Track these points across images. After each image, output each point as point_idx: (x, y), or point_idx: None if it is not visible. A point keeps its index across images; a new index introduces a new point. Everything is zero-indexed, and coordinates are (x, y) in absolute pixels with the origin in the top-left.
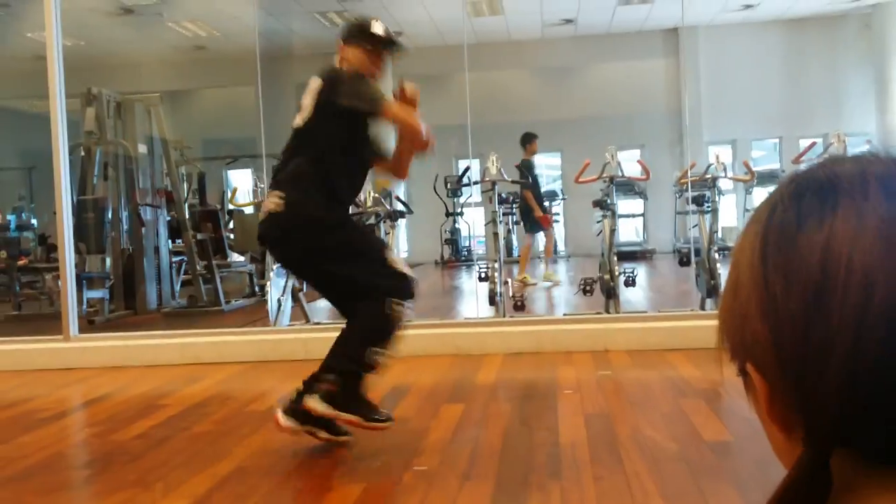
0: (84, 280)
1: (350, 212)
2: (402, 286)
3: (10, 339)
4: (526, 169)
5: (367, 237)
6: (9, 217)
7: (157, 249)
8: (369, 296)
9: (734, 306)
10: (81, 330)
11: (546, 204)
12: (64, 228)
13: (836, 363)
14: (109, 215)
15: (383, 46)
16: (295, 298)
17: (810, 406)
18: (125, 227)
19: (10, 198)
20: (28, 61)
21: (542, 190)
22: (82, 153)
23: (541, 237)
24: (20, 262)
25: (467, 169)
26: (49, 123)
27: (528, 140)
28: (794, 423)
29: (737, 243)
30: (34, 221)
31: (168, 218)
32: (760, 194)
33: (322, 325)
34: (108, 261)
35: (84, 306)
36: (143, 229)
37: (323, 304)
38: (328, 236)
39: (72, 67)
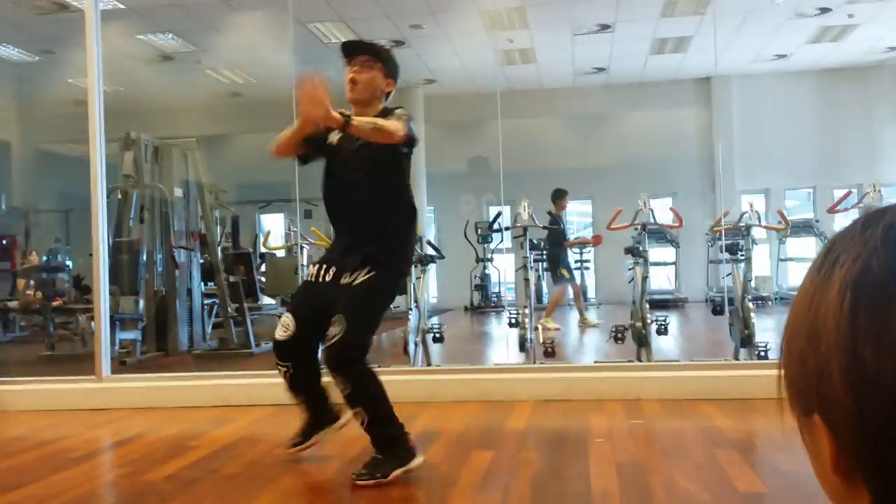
0: (117, 321)
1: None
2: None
3: (43, 379)
4: (554, 223)
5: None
6: (45, 258)
7: (189, 291)
8: None
9: (809, 354)
10: (113, 371)
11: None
12: (100, 269)
13: None
14: (144, 257)
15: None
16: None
17: (888, 478)
18: (159, 269)
19: (47, 240)
20: (69, 106)
21: (574, 236)
22: (119, 196)
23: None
24: (55, 304)
25: (499, 214)
26: (88, 167)
27: (558, 196)
28: (857, 476)
29: (812, 282)
30: (69, 263)
31: (201, 260)
32: (794, 244)
33: None
34: (142, 302)
35: (116, 347)
36: (177, 271)
37: None
38: None
39: (111, 112)
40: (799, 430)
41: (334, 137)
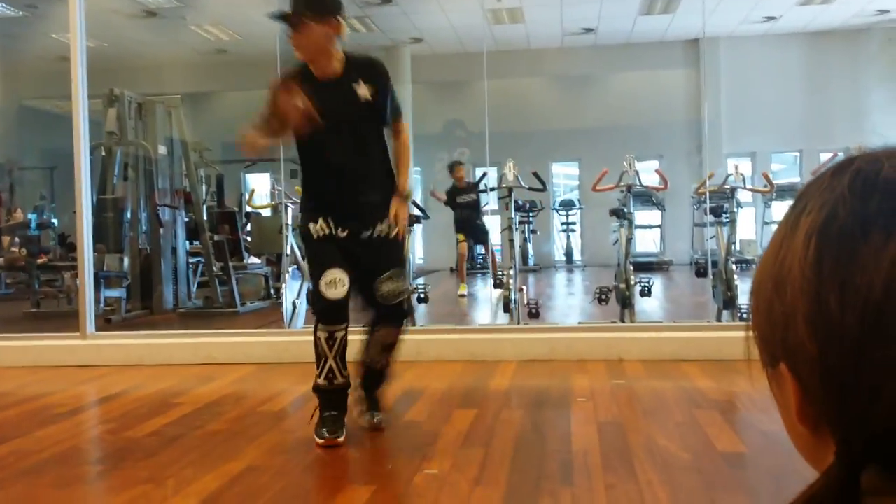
0: (102, 279)
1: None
2: (319, 311)
3: (28, 336)
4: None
5: (314, 248)
6: (30, 216)
7: (174, 250)
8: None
9: (775, 302)
10: (98, 328)
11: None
12: (83, 227)
13: (893, 388)
14: (128, 215)
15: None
16: (309, 301)
17: (851, 423)
18: (143, 227)
19: (31, 197)
20: (52, 62)
21: (561, 199)
22: (103, 153)
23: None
24: (40, 261)
25: (484, 175)
26: (71, 124)
27: (453, 168)
28: (824, 427)
29: (781, 232)
30: (55, 220)
31: (186, 219)
32: (780, 207)
33: None
34: (126, 260)
35: (101, 305)
36: (162, 230)
37: None
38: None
39: (95, 69)
40: (768, 382)
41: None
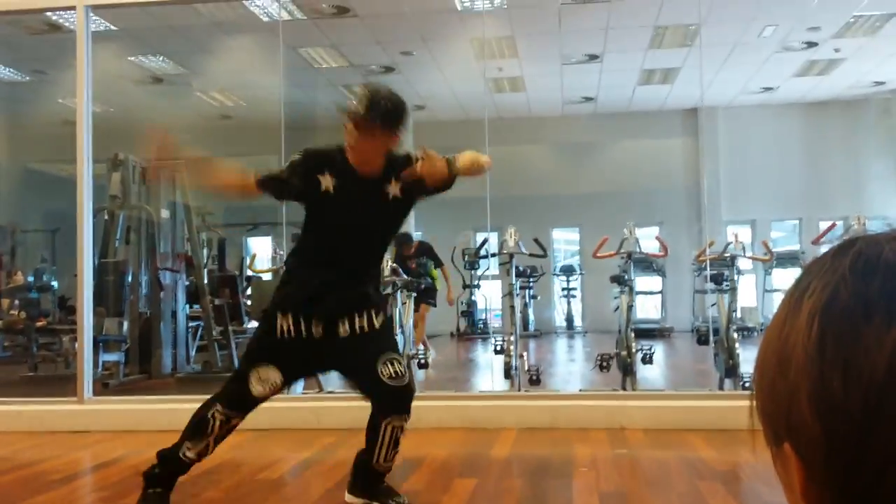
0: (101, 343)
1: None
2: (231, 394)
3: (24, 400)
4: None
5: (258, 336)
6: (30, 278)
7: (174, 314)
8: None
9: (778, 381)
10: (96, 393)
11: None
12: (84, 291)
13: None
14: (129, 279)
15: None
16: None
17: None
18: (144, 290)
19: (32, 259)
20: (58, 126)
21: (561, 264)
22: (106, 217)
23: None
24: (39, 324)
25: (485, 241)
26: (75, 187)
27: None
28: None
29: (783, 311)
30: (55, 283)
31: (187, 283)
32: (780, 275)
33: (335, 395)
34: (126, 324)
35: (99, 369)
36: (162, 293)
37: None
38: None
39: (100, 133)
40: (772, 460)
41: (328, 181)
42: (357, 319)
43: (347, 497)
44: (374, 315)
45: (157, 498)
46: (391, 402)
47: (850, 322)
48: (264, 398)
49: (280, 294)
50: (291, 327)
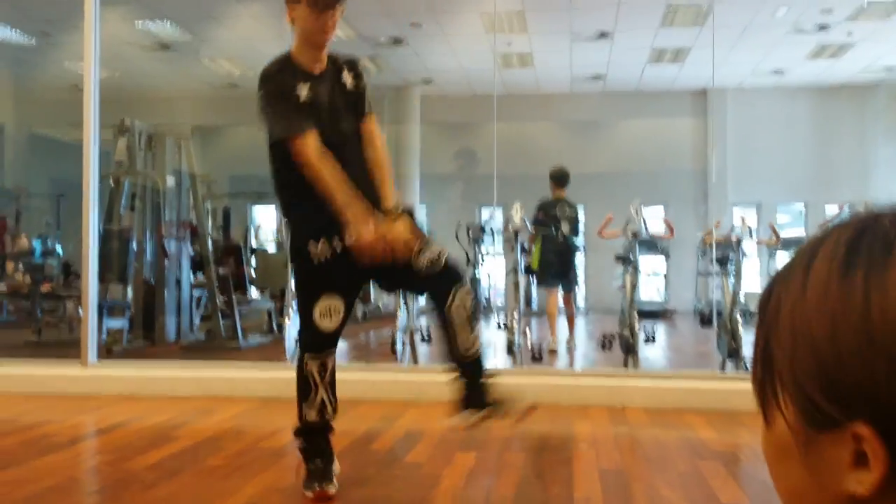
0: (105, 309)
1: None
2: (312, 339)
3: (28, 363)
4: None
5: (309, 273)
6: (34, 243)
7: (178, 282)
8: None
9: (857, 359)
10: (99, 358)
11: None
12: (89, 256)
13: None
14: (134, 246)
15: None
16: None
17: None
18: (148, 258)
19: (37, 224)
20: (64, 90)
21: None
22: (111, 183)
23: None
24: (43, 289)
25: (490, 217)
26: (81, 152)
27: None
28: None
29: (848, 285)
30: (59, 249)
31: (191, 252)
32: (784, 259)
33: (338, 366)
34: (130, 291)
35: (103, 335)
36: (167, 261)
37: (341, 346)
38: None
39: (106, 98)
40: (795, 442)
41: (304, 91)
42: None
43: (464, 415)
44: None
45: (319, 471)
46: (443, 284)
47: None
48: (338, 328)
49: (303, 227)
50: (325, 251)
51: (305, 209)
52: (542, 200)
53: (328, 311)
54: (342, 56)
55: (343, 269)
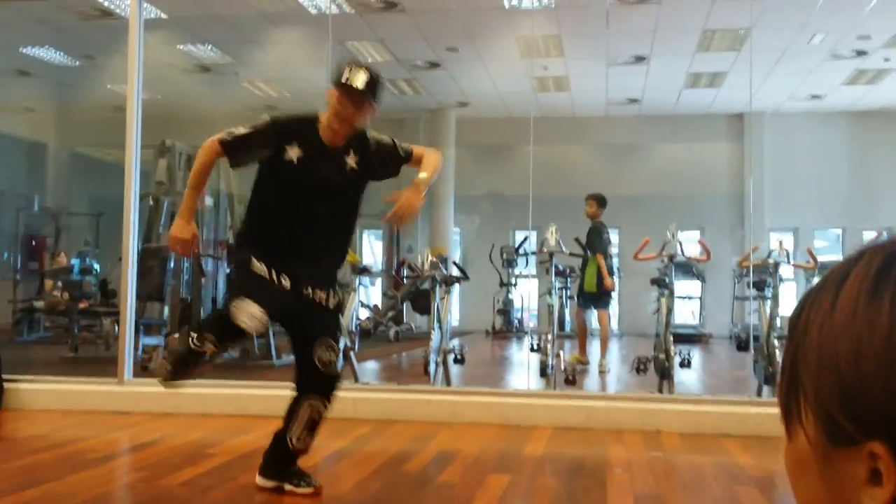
0: (141, 326)
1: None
2: (223, 326)
3: (65, 380)
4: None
5: (248, 280)
6: (73, 261)
7: (214, 300)
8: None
9: (878, 381)
10: (135, 375)
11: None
12: (128, 274)
13: None
14: (171, 264)
15: (345, 91)
16: (345, 357)
17: None
18: (186, 276)
19: (76, 242)
20: (106, 111)
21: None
22: (150, 203)
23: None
24: (81, 306)
25: (525, 240)
26: (121, 172)
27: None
28: None
29: (872, 308)
30: (97, 266)
31: (227, 271)
32: None
33: (370, 386)
34: (167, 309)
35: (140, 352)
36: (203, 280)
37: (372, 366)
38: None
39: (147, 119)
40: (814, 456)
41: (294, 153)
42: (318, 291)
43: (258, 479)
44: (331, 294)
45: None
46: (317, 384)
47: None
48: (250, 332)
49: (247, 247)
50: (265, 271)
51: (251, 238)
52: (598, 223)
53: (254, 316)
54: (357, 135)
55: (273, 293)
